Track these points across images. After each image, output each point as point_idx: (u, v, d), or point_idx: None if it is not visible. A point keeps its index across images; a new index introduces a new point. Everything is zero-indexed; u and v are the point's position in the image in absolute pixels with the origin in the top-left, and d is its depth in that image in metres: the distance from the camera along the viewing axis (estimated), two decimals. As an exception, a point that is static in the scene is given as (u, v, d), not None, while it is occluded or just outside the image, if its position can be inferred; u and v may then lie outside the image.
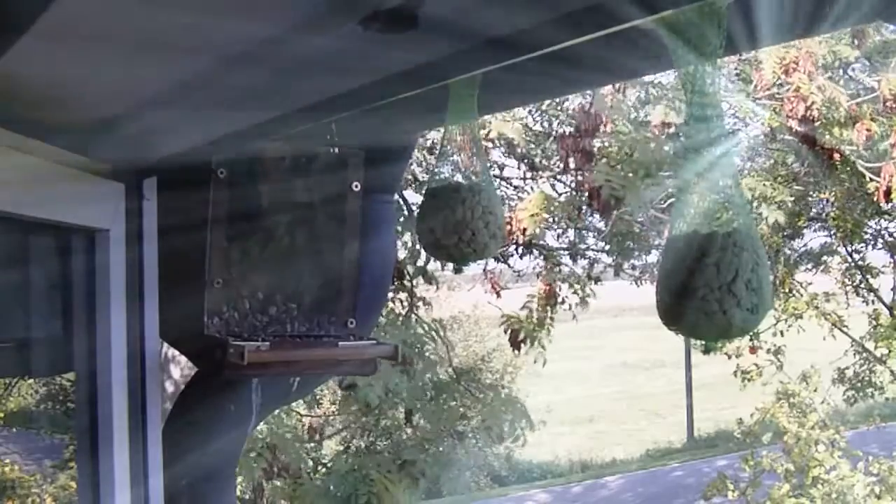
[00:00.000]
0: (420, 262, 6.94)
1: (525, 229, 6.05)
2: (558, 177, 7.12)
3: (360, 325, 2.14)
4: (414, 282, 6.72)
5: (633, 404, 24.50)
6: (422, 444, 6.53)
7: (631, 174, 5.87)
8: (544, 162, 7.35)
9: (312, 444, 7.84)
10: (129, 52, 1.30)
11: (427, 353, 6.39)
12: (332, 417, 8.30)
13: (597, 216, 8.59)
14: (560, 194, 7.49)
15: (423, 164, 7.64)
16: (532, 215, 6.04)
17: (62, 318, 2.13)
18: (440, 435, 6.99)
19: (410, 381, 6.41)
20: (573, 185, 6.64)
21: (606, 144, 6.41)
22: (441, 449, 6.67)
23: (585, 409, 23.96)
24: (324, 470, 6.98)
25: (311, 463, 7.62)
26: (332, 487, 5.79)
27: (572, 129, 6.04)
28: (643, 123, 6.93)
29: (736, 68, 7.64)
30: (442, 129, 1.82)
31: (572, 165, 6.18)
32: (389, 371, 5.90)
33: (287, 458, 6.15)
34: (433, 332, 6.74)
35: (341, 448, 8.36)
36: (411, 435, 6.84)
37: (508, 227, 5.91)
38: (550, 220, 7.17)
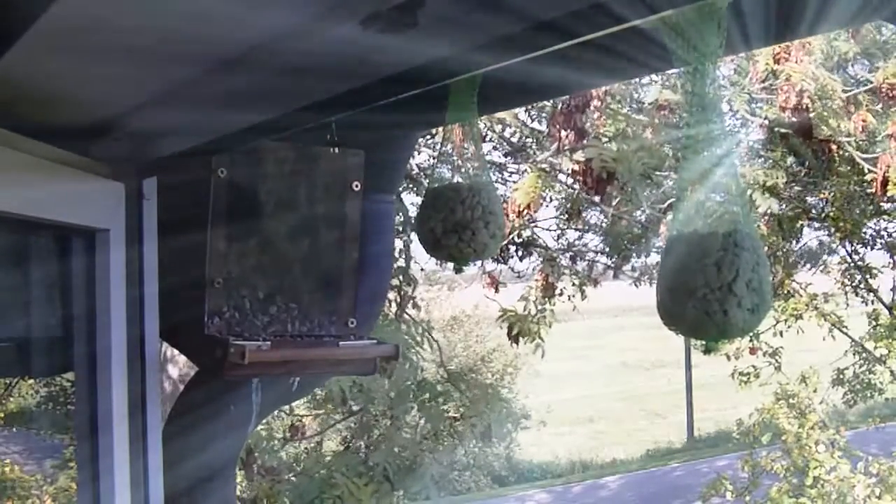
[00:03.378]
0: (412, 264, 6.93)
1: (521, 208, 6.02)
2: (553, 163, 7.08)
3: (360, 324, 2.14)
4: (402, 283, 6.69)
5: (633, 404, 24.49)
6: (392, 449, 6.48)
7: (624, 147, 5.84)
8: (538, 152, 7.34)
9: (292, 444, 7.80)
10: (129, 52, 1.30)
11: (412, 356, 6.35)
12: (312, 418, 8.26)
13: (597, 216, 8.60)
14: (556, 187, 7.48)
15: (423, 164, 7.64)
16: (526, 193, 6.01)
17: (62, 318, 2.12)
18: (418, 438, 6.96)
19: (391, 383, 6.39)
20: (570, 171, 6.59)
21: (599, 121, 6.39)
22: (411, 453, 6.61)
23: (585, 409, 23.96)
24: (299, 470, 6.96)
25: (288, 462, 7.61)
26: (301, 489, 5.78)
27: (563, 106, 5.99)
28: (638, 103, 6.93)
29: (733, 60, 7.63)
30: (442, 129, 1.82)
31: (566, 145, 6.13)
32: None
33: (264, 456, 6.14)
34: (419, 336, 6.70)
35: (317, 449, 8.33)
36: (389, 438, 6.80)
37: (504, 211, 5.87)
38: (547, 198, 7.15)
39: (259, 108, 1.52)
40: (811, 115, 6.53)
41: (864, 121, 6.70)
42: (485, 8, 1.09)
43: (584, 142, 6.02)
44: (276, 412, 7.47)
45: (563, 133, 5.91)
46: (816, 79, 6.29)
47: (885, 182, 6.63)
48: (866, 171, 7.33)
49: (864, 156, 7.27)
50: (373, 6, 1.05)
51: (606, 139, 6.17)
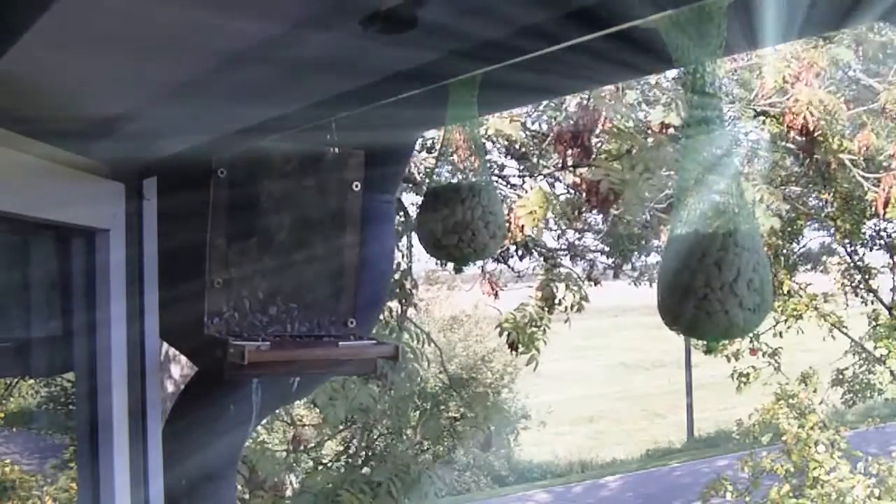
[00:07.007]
0: (412, 266, 6.92)
1: (523, 227, 6.03)
2: (556, 175, 7.09)
3: (360, 324, 2.14)
4: (406, 286, 6.67)
5: (633, 404, 24.49)
6: (395, 462, 6.45)
7: (630, 169, 5.85)
8: (542, 162, 7.34)
9: (293, 458, 7.77)
10: (129, 52, 1.29)
11: (410, 366, 6.32)
12: (311, 430, 8.22)
13: (596, 217, 8.60)
14: (559, 195, 7.47)
15: (423, 164, 7.64)
16: (530, 212, 6.01)
17: (62, 318, 2.12)
18: (420, 444, 6.94)
19: (389, 394, 6.38)
20: (571, 184, 6.62)
21: (605, 141, 6.42)
22: (415, 469, 6.58)
23: (585, 409, 23.96)
24: (299, 487, 6.92)
25: (290, 478, 7.59)
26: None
27: (570, 125, 6.02)
28: (642, 123, 6.93)
29: (735, 74, 7.63)
30: (442, 129, 1.82)
31: (570, 162, 6.16)
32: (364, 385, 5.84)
33: (265, 472, 6.09)
34: (420, 342, 6.68)
35: (319, 464, 8.29)
36: (392, 449, 6.78)
37: (507, 225, 5.89)
38: (549, 218, 7.16)
39: (259, 108, 1.52)
40: (816, 135, 6.57)
41: (867, 140, 6.73)
42: (484, 8, 1.09)
43: (590, 160, 6.05)
44: (277, 422, 7.44)
45: (569, 151, 5.96)
46: (823, 103, 6.31)
47: (886, 202, 6.67)
48: (868, 190, 7.36)
49: (867, 175, 7.29)
50: (373, 6, 1.05)
51: (612, 158, 6.17)
